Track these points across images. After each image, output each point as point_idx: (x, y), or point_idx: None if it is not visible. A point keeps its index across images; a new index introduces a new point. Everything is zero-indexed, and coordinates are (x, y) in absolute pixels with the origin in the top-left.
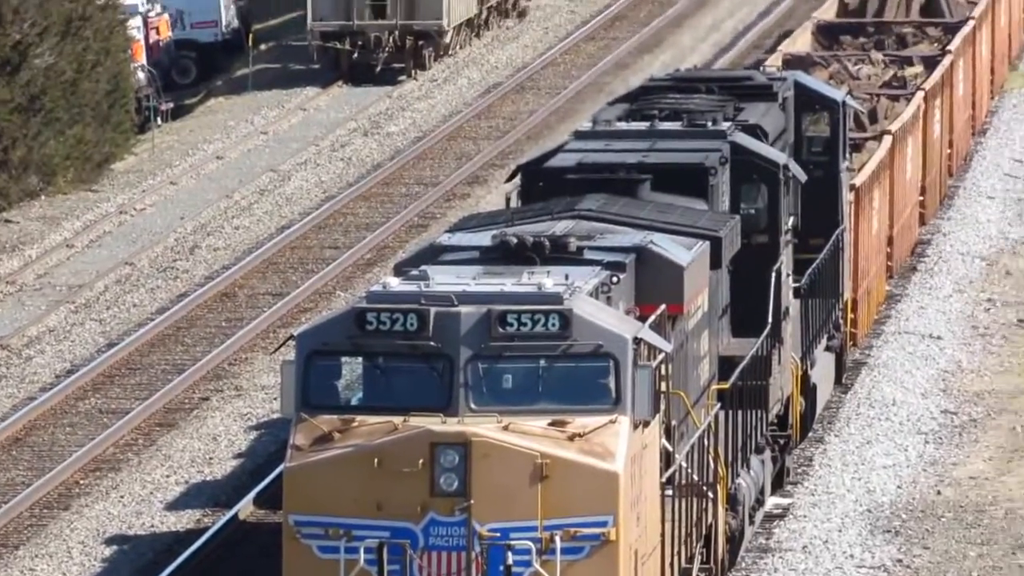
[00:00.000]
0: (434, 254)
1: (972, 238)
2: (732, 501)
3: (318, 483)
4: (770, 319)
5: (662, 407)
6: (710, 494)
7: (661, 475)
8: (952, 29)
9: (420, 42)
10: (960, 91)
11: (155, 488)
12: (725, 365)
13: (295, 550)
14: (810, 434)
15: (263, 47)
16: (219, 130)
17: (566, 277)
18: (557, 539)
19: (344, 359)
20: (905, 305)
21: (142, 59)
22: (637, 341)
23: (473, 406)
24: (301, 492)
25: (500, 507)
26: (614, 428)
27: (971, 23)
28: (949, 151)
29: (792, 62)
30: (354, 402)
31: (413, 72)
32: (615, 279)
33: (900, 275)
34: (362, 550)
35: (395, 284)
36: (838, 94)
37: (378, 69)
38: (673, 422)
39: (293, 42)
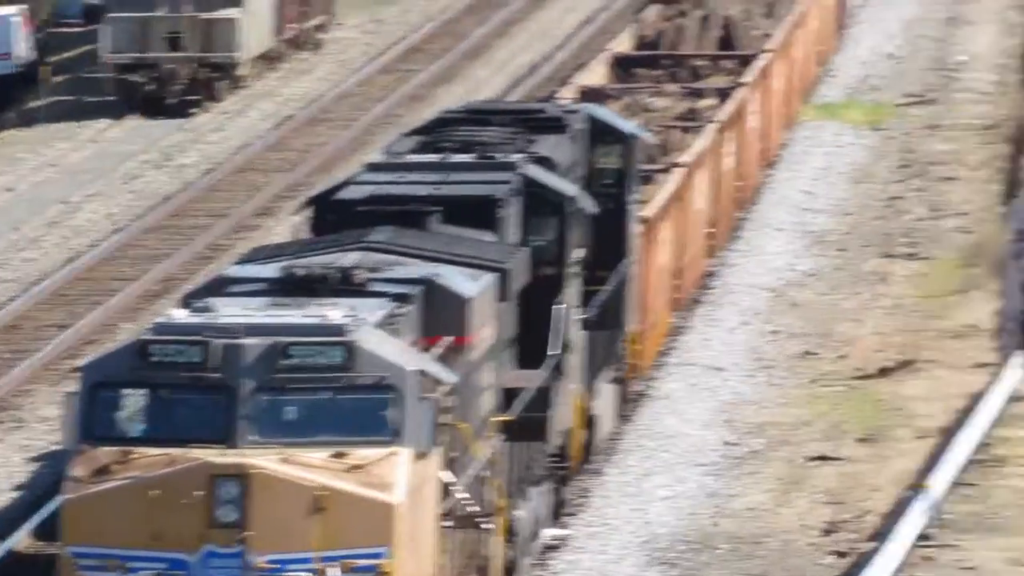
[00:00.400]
0: (221, 286)
1: (759, 270)
2: (510, 532)
3: (96, 514)
4: (554, 351)
5: (444, 439)
6: (488, 525)
7: (440, 507)
8: (747, 61)
9: (214, 74)
10: (753, 123)
11: None
12: (508, 397)
13: None
14: (590, 466)
15: (57, 79)
16: (9, 163)
17: (352, 309)
18: (334, 571)
19: (127, 391)
20: (690, 337)
21: None
22: (420, 373)
23: (254, 438)
24: (79, 523)
25: (278, 539)
26: (394, 460)
27: (765, 56)
28: (740, 183)
29: (586, 94)
30: (136, 434)
31: (206, 104)
32: (402, 311)
33: (687, 307)
34: None
35: (181, 316)
36: (630, 126)
37: (172, 101)
38: (454, 454)
39: (87, 74)
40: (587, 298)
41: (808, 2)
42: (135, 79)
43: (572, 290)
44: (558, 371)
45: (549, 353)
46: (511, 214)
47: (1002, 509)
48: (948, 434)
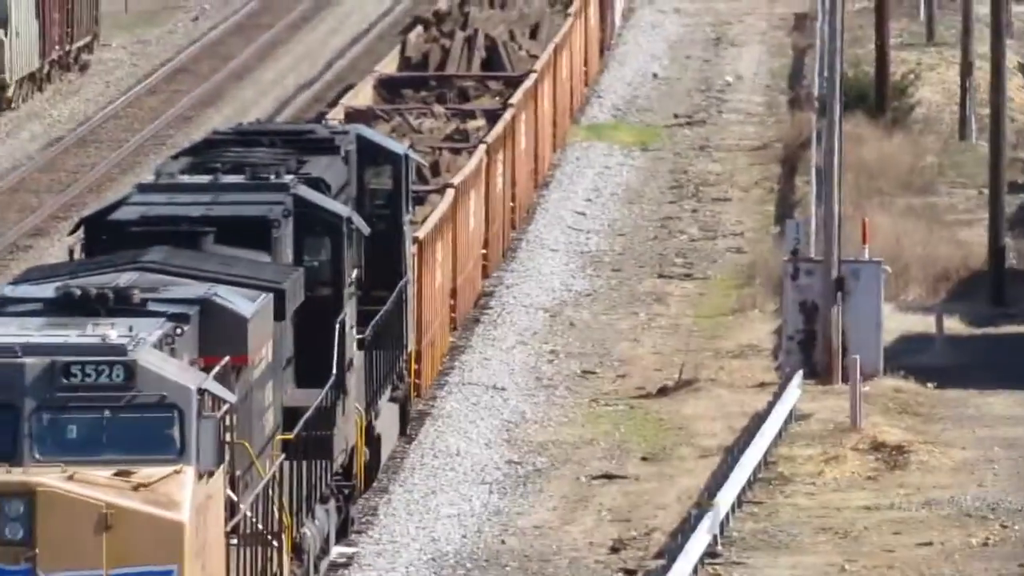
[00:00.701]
0: None
1: (535, 290)
2: (297, 550)
3: None
4: (334, 370)
5: (227, 457)
6: (275, 543)
7: (226, 525)
8: (514, 83)
9: None
10: (523, 144)
11: None
12: (290, 416)
13: None
14: (375, 484)
15: None
16: None
17: (130, 329)
18: None
19: None
20: (469, 356)
21: None
22: (201, 392)
23: (38, 456)
24: None
25: (66, 557)
26: (179, 478)
27: (533, 77)
28: (512, 204)
29: (354, 116)
30: None
31: None
32: (179, 330)
33: (464, 327)
34: None
35: None
36: (400, 147)
37: None
38: (238, 472)
39: None
40: (364, 318)
41: (572, 23)
42: None
43: (349, 310)
44: (340, 389)
45: (334, 372)
46: (285, 235)
47: (787, 526)
48: (732, 452)
